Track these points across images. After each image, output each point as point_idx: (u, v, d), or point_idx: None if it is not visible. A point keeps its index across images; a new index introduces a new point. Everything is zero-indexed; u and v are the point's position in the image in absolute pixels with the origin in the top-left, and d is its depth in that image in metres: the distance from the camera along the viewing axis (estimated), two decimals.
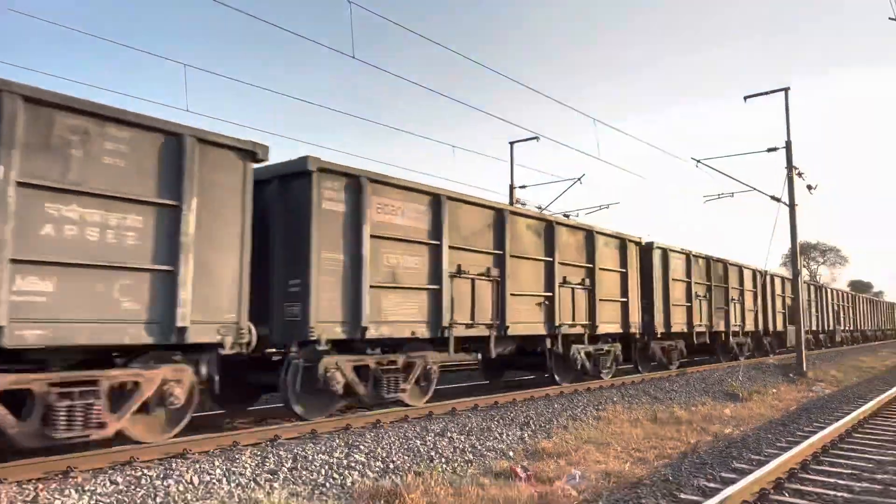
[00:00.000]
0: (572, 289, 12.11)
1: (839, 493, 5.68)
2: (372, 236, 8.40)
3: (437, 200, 9.51)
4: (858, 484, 6.01)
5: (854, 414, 9.53)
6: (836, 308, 34.15)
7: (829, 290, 35.14)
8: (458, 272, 9.71)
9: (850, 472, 6.51)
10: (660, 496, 5.58)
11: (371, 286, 8.33)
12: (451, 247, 9.62)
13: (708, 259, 18.38)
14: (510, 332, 10.61)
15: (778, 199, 18.51)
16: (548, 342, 11.68)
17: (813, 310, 29.71)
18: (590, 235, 12.99)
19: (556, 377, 12.19)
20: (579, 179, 22.30)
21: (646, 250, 15.49)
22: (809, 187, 19.12)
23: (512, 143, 23.19)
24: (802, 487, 5.85)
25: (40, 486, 5.31)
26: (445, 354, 9.79)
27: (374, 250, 8.43)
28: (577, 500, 5.58)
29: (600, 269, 13.05)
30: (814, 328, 29.53)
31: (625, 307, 13.87)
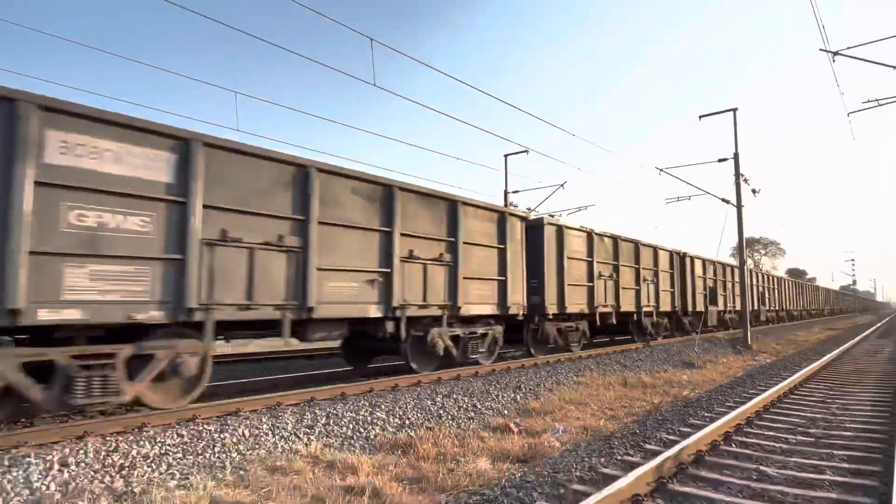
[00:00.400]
0: (424, 265, 9.12)
1: (778, 445, 5.80)
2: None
3: (186, 145, 6.31)
4: (794, 437, 6.13)
5: (790, 379, 9.63)
6: (760, 290, 30.32)
7: (754, 274, 31.97)
8: (224, 240, 6.56)
9: (787, 427, 6.63)
10: (629, 446, 5.70)
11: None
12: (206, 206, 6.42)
13: (615, 238, 15.31)
14: (319, 313, 7.52)
15: (727, 201, 18.64)
16: (388, 326, 8.60)
17: (737, 291, 26.12)
18: (452, 205, 9.80)
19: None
20: (562, 185, 22.38)
21: (535, 227, 12.35)
22: (754, 191, 19.27)
23: (506, 156, 23.32)
24: (747, 440, 5.97)
25: (120, 438, 5.46)
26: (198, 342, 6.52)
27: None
28: (559, 450, 5.69)
29: (466, 243, 9.92)
30: (738, 308, 25.45)
31: (503, 286, 10.77)
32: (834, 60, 11.32)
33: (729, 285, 25.14)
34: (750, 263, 55.23)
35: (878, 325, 39.05)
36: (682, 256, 19.73)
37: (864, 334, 25.43)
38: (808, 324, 38.13)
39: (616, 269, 15.02)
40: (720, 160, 18.68)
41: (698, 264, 21.07)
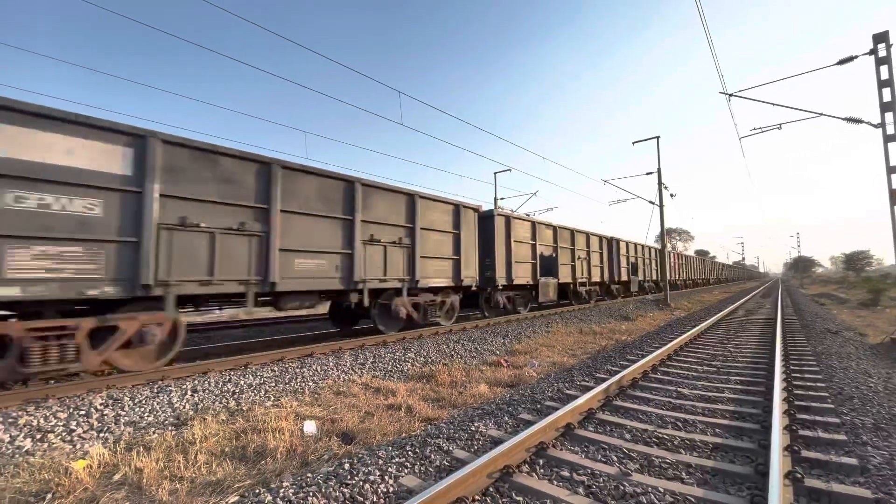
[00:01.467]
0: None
1: (690, 373, 5.73)
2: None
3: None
4: (702, 367, 6.06)
5: (698, 327, 9.52)
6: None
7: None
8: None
9: (696, 360, 6.54)
10: (584, 375, 5.67)
11: None
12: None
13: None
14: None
15: (653, 203, 18.38)
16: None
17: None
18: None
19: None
20: (535, 193, 22.23)
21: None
22: (672, 195, 18.99)
23: (496, 173, 23.19)
24: (669, 370, 5.90)
25: (232, 373, 5.52)
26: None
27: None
28: (536, 379, 5.68)
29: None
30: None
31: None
32: (730, 100, 11.03)
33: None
34: (669, 247, 54.62)
35: (760, 289, 38.52)
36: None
37: (749, 296, 25.06)
38: (710, 289, 37.62)
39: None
40: (647, 173, 18.39)
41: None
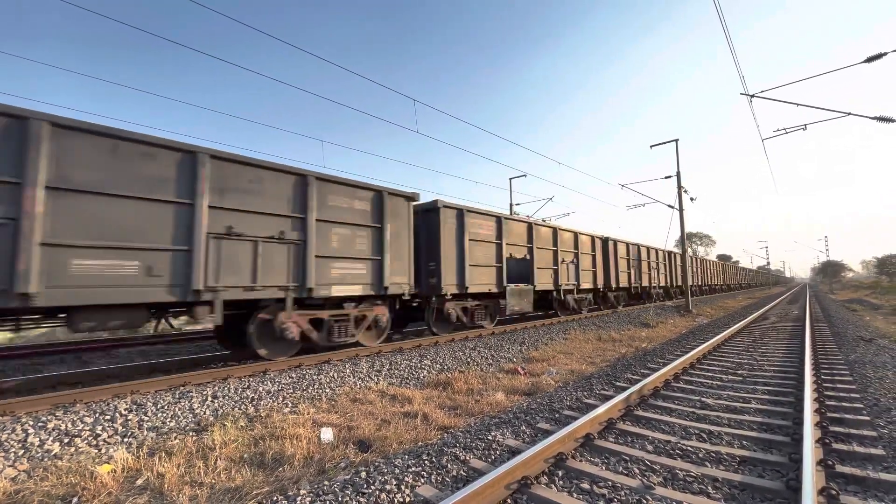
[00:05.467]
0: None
1: (714, 382, 5.57)
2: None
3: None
4: (727, 376, 5.87)
5: (722, 334, 9.24)
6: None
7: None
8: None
9: (721, 369, 6.35)
10: (604, 383, 5.55)
11: None
12: None
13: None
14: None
15: (672, 207, 18.01)
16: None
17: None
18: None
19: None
20: (551, 199, 22.02)
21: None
22: (692, 199, 18.54)
23: (511, 179, 23.11)
24: (691, 379, 5.74)
25: (251, 379, 5.58)
26: None
27: None
28: (554, 387, 5.59)
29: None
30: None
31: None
32: (751, 101, 10.76)
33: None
34: (690, 252, 53.41)
35: (787, 294, 37.24)
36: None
37: (775, 301, 24.25)
38: (733, 294, 36.57)
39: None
40: (666, 177, 18.02)
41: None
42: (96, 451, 3.60)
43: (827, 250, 63.37)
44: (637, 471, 3.04)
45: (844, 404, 4.44)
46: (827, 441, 3.39)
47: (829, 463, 3.01)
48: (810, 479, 2.63)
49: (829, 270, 71.52)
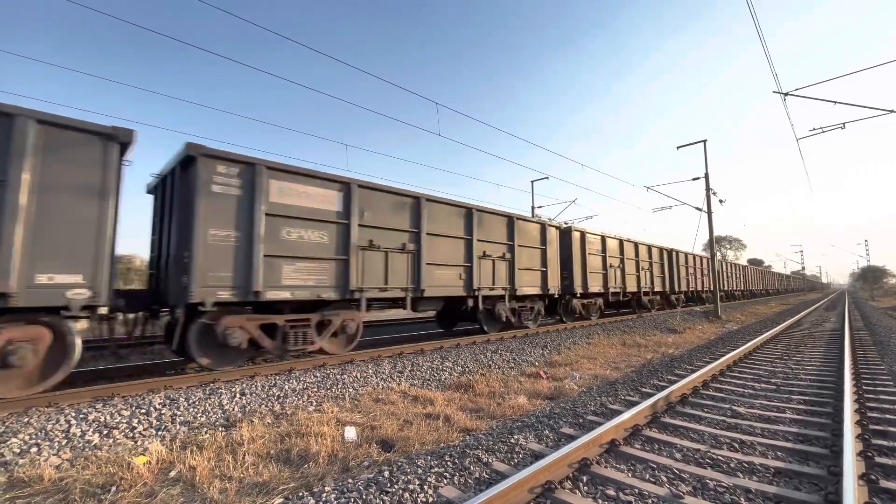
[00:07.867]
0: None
1: (746, 390, 5.37)
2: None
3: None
4: (759, 384, 5.65)
5: (754, 341, 8.90)
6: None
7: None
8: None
9: (753, 377, 6.12)
10: (629, 389, 5.44)
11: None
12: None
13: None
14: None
15: (700, 209, 17.48)
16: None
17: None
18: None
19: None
20: (574, 201, 21.79)
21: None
22: (721, 201, 17.97)
23: (533, 181, 22.95)
24: (721, 386, 5.56)
25: (277, 377, 5.72)
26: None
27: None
28: (577, 392, 5.51)
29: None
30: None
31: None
32: (785, 99, 10.36)
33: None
34: (719, 256, 51.64)
35: (824, 301, 35.54)
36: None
37: (811, 308, 23.20)
38: (765, 300, 35.15)
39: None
40: (694, 179, 17.54)
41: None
42: (132, 442, 3.75)
43: (867, 255, 60.24)
44: (665, 479, 2.96)
45: (888, 416, 4.21)
46: (869, 454, 3.22)
47: (873, 478, 2.86)
48: (852, 493, 2.50)
49: (870, 276, 67.92)
